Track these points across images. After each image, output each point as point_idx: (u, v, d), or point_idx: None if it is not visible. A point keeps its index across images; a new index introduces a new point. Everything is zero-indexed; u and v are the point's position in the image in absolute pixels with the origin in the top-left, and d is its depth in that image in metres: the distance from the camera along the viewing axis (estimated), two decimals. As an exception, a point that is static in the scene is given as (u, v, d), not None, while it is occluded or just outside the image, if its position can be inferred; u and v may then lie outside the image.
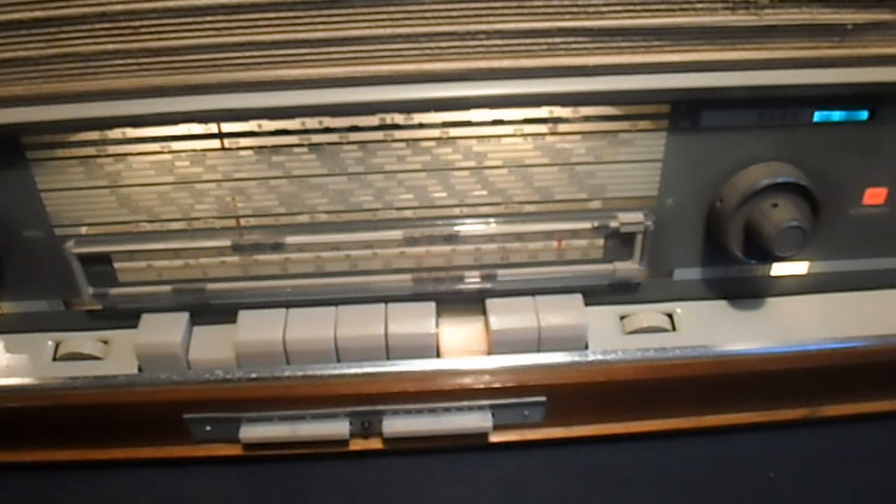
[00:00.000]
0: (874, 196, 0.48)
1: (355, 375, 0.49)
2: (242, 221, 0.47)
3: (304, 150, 0.44)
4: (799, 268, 0.51)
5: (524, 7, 0.39)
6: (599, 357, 0.49)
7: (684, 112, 0.44)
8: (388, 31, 0.40)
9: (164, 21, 0.39)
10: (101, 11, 0.39)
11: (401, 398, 0.49)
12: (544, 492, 0.50)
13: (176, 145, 0.44)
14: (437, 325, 0.49)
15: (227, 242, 0.47)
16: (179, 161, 0.45)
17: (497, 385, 0.48)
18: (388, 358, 0.49)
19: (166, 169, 0.45)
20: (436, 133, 0.44)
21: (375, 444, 0.51)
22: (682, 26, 0.40)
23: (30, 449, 0.51)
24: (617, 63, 0.41)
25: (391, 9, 0.39)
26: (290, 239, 0.47)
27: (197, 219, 0.47)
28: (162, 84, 0.41)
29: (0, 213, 0.46)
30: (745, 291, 0.52)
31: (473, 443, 0.51)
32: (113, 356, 0.50)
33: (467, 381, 0.49)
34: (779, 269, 0.51)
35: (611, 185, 0.47)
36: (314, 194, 0.46)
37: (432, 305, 0.50)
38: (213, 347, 0.49)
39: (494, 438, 0.51)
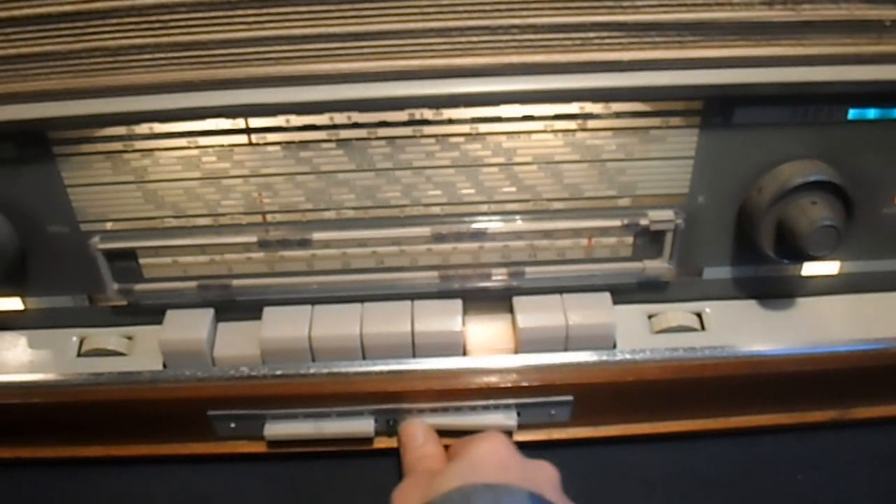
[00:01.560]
0: (908, 196, 0.48)
1: (381, 373, 0.48)
2: (269, 217, 0.47)
3: (332, 145, 0.44)
4: (830, 268, 0.50)
5: (558, 1, 0.39)
6: (627, 356, 0.48)
7: (717, 108, 0.43)
8: (420, 25, 0.40)
9: (194, 15, 0.39)
10: (130, 5, 0.39)
11: (426, 396, 0.48)
12: (569, 492, 0.49)
13: (203, 140, 0.44)
14: (463, 323, 0.49)
15: (252, 238, 0.47)
16: (206, 156, 0.44)
17: (524, 384, 0.48)
18: (413, 356, 0.48)
19: (193, 164, 0.45)
20: (465, 129, 0.44)
21: (400, 442, 0.51)
22: (717, 21, 0.40)
23: (53, 445, 0.51)
24: (650, 58, 0.41)
25: (422, 3, 0.39)
26: (317, 235, 0.47)
27: (223, 214, 0.46)
28: (190, 79, 0.41)
29: (26, 208, 0.46)
30: (775, 291, 0.51)
31: (499, 442, 0.50)
32: (137, 352, 0.50)
33: (493, 379, 0.48)
34: (809, 268, 0.50)
35: (641, 182, 0.46)
36: (341, 190, 0.46)
37: (459, 303, 0.49)
38: (238, 344, 0.49)
39: (519, 437, 0.50)
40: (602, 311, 0.49)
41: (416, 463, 0.46)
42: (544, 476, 0.43)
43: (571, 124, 0.44)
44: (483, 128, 0.44)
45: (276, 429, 0.49)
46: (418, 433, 0.48)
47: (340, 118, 0.43)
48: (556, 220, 0.47)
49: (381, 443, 0.51)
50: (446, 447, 0.48)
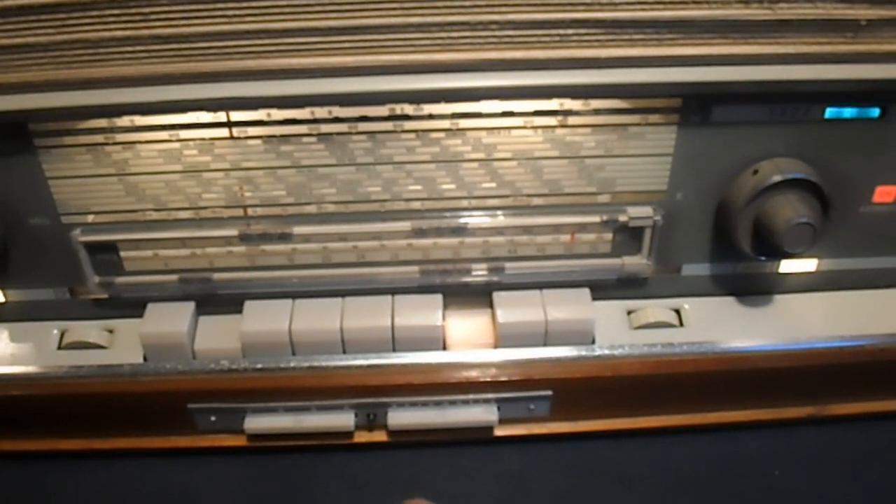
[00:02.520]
0: (884, 194, 0.48)
1: (361, 367, 0.48)
2: (250, 211, 0.47)
3: (313, 139, 0.44)
4: (807, 265, 0.51)
5: (537, -3, 0.39)
6: (606, 352, 0.49)
7: (695, 106, 0.44)
8: (400, 20, 0.40)
9: (175, 8, 0.39)
10: (112, -3, 0.39)
11: (406, 390, 0.49)
12: (548, 487, 0.50)
13: (184, 133, 0.44)
14: (443, 318, 0.49)
15: (234, 232, 0.47)
16: (187, 149, 0.44)
17: (503, 378, 0.48)
18: (394, 350, 0.49)
19: (174, 157, 0.45)
20: (445, 124, 0.44)
21: (380, 436, 0.51)
22: (695, 19, 0.40)
23: (33, 438, 0.51)
24: (629, 55, 0.41)
25: (403, -2, 0.39)
26: (298, 229, 0.47)
27: (204, 208, 0.46)
28: (171, 71, 0.41)
29: (6, 200, 0.46)
30: (753, 288, 0.52)
31: (478, 436, 0.51)
32: (118, 345, 0.50)
33: (473, 374, 0.48)
34: (787, 265, 0.51)
35: (620, 178, 0.46)
36: (322, 184, 0.46)
37: (439, 298, 0.49)
38: (218, 337, 0.49)
39: (499, 432, 0.51)
40: (581, 307, 0.49)
41: None
42: None
43: (551, 120, 0.44)
44: (463, 123, 0.44)
45: (257, 422, 0.49)
46: None
47: (321, 112, 0.43)
48: (535, 216, 0.47)
49: (362, 437, 0.51)
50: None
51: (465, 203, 0.47)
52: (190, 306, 0.49)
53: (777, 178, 0.45)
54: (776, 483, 0.50)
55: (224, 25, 0.40)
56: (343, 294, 0.49)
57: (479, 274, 0.49)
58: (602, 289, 0.50)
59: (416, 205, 0.47)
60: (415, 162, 0.45)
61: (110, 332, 0.50)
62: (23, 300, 0.50)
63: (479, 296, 0.50)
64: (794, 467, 0.51)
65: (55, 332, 0.50)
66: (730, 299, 0.52)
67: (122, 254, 0.48)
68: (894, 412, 0.53)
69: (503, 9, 0.39)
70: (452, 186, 0.46)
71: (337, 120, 0.44)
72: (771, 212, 0.45)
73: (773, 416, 0.52)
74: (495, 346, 0.49)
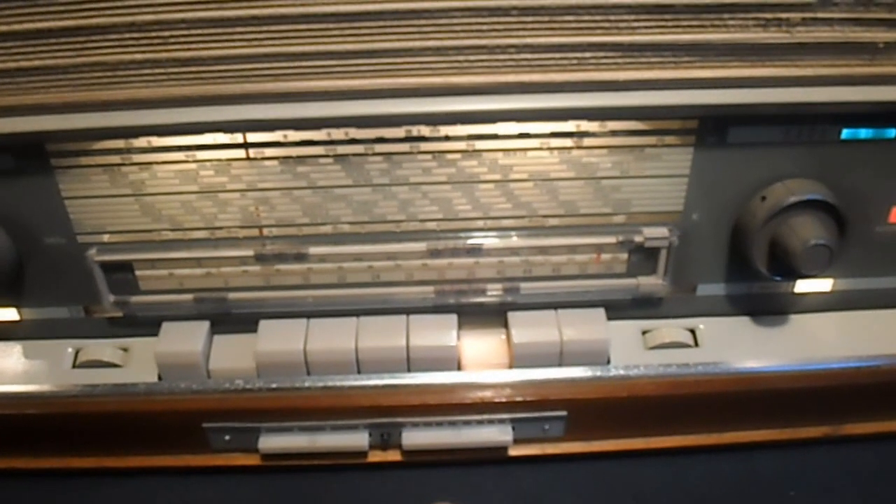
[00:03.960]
0: (901, 214, 0.48)
1: (375, 387, 0.48)
2: (265, 231, 0.47)
3: (330, 160, 0.44)
4: (823, 285, 0.51)
5: (555, 22, 0.39)
6: (621, 372, 0.49)
7: (712, 128, 0.44)
8: (417, 43, 0.40)
9: (193, 32, 0.39)
10: (131, 21, 0.39)
11: (421, 411, 0.49)
12: (563, 507, 0.50)
13: (201, 154, 0.44)
14: (458, 338, 0.49)
15: (249, 252, 0.47)
16: (204, 170, 0.44)
17: (518, 399, 0.48)
18: (408, 370, 0.49)
19: (190, 178, 0.45)
20: (461, 146, 0.44)
21: (394, 456, 0.51)
22: (713, 42, 0.40)
23: (47, 456, 0.51)
24: (646, 78, 0.41)
25: (421, 22, 0.39)
26: (313, 249, 0.47)
27: (220, 228, 0.47)
28: (188, 94, 0.41)
29: (23, 219, 0.46)
30: (768, 308, 0.51)
31: (492, 456, 0.50)
32: (133, 364, 0.50)
33: (488, 394, 0.48)
34: (803, 286, 0.51)
35: (636, 199, 0.46)
36: (338, 205, 0.46)
37: (454, 318, 0.49)
38: (233, 357, 0.49)
39: (514, 452, 0.51)
40: (596, 327, 0.49)
41: None
42: None
43: (567, 142, 0.44)
44: (479, 145, 0.44)
45: (271, 442, 0.49)
46: None
47: (338, 134, 0.43)
48: (551, 237, 0.47)
49: (376, 457, 0.51)
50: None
51: (480, 224, 0.47)
52: (205, 325, 0.49)
53: (792, 199, 0.45)
54: (791, 503, 0.50)
55: (241, 49, 0.40)
56: (358, 314, 0.49)
57: (494, 294, 0.49)
58: (617, 309, 0.50)
59: (432, 225, 0.47)
60: (431, 183, 0.45)
61: (125, 350, 0.50)
62: (38, 318, 0.50)
63: (493, 316, 0.50)
64: (810, 487, 0.50)
65: (70, 350, 0.50)
66: (745, 319, 0.51)
67: (138, 273, 0.48)
68: (910, 432, 0.53)
69: (521, 33, 0.40)
70: (468, 207, 0.46)
71: (353, 141, 0.44)
72: (787, 233, 0.45)
73: (788, 437, 0.52)
74: (510, 367, 0.49)
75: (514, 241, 0.47)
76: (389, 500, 0.50)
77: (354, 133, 0.43)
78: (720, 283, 0.50)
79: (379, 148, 0.44)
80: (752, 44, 0.40)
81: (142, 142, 0.43)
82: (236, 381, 0.49)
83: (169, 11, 0.39)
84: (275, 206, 0.46)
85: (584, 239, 0.47)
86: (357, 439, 0.49)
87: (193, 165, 0.44)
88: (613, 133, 0.44)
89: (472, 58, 0.40)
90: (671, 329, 0.50)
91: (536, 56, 0.40)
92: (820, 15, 0.40)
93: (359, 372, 0.49)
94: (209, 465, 0.51)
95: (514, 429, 0.49)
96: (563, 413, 0.49)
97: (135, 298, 0.48)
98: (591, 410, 0.49)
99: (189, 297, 0.48)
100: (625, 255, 0.48)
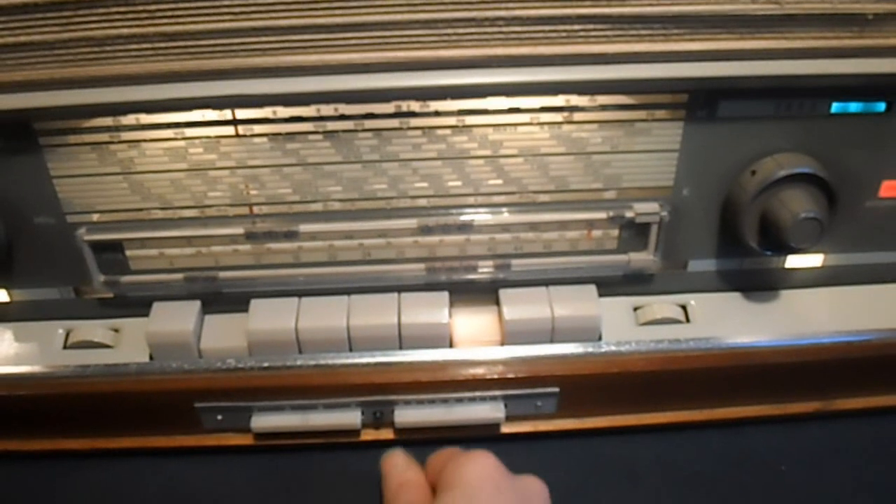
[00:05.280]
0: (890, 189, 0.48)
1: (367, 365, 0.48)
2: (255, 209, 0.47)
3: (319, 137, 0.44)
4: (813, 260, 0.51)
5: (544, -7, 0.39)
6: (613, 348, 0.49)
7: (702, 102, 0.44)
8: (406, 16, 0.40)
9: (181, 5, 0.39)
10: (117, -5, 0.39)
11: (413, 388, 0.49)
12: (555, 484, 0.49)
13: (190, 132, 0.44)
14: (450, 315, 0.49)
15: (239, 230, 0.47)
16: (193, 148, 0.44)
17: (510, 376, 0.48)
18: (400, 348, 0.49)
19: (180, 156, 0.44)
20: (451, 121, 0.44)
21: (387, 434, 0.51)
22: (701, 14, 0.40)
23: (39, 437, 0.51)
24: (635, 51, 0.41)
25: (409, -6, 0.39)
26: (304, 227, 0.47)
27: (210, 206, 0.46)
28: (177, 69, 0.41)
29: (12, 199, 0.46)
30: (759, 283, 0.52)
31: (485, 433, 0.51)
32: (124, 344, 0.50)
33: (480, 371, 0.48)
34: (793, 261, 0.51)
35: (626, 174, 0.46)
36: (328, 182, 0.46)
37: (445, 295, 0.49)
38: (224, 336, 0.49)
39: (506, 429, 0.51)
40: (588, 304, 0.49)
41: (399, 490, 0.44)
42: (535, 492, 0.43)
43: (557, 117, 0.44)
44: (469, 120, 0.44)
45: (263, 421, 0.49)
46: (399, 461, 0.46)
47: (327, 110, 0.43)
48: (541, 213, 0.47)
49: (368, 435, 0.51)
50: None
51: (471, 200, 0.47)
52: (196, 305, 0.49)
53: (782, 173, 0.45)
54: (783, 478, 0.50)
55: (229, 23, 0.40)
56: (349, 292, 0.49)
57: (486, 271, 0.49)
58: (608, 285, 0.50)
59: (423, 202, 0.47)
60: (421, 159, 0.45)
61: (116, 331, 0.50)
62: (28, 300, 0.50)
63: (485, 293, 0.50)
64: (801, 462, 0.51)
65: (60, 331, 0.50)
66: (736, 295, 0.52)
67: (128, 253, 0.48)
68: (901, 407, 0.53)
69: (509, 5, 0.39)
70: (459, 183, 0.46)
71: (343, 117, 0.43)
72: (777, 207, 0.45)
73: (779, 412, 0.52)
74: (502, 344, 0.49)
75: (505, 217, 0.47)
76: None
77: (344, 109, 0.43)
78: (711, 259, 0.50)
79: (369, 124, 0.44)
80: (742, 15, 0.40)
81: (130, 119, 0.43)
82: (228, 360, 0.48)
83: (155, -15, 0.38)
84: (265, 183, 0.46)
85: (575, 215, 0.47)
86: (350, 417, 0.49)
87: (182, 143, 0.44)
88: (603, 108, 0.44)
89: (460, 30, 0.40)
90: (662, 305, 0.51)
91: (525, 28, 0.40)
92: (809, -15, 0.40)
93: (350, 350, 0.49)
94: (201, 445, 0.51)
95: (506, 406, 0.49)
96: (556, 390, 0.49)
97: (125, 278, 0.48)
98: (583, 387, 0.49)
99: (179, 276, 0.48)
100: (615, 231, 0.48)
